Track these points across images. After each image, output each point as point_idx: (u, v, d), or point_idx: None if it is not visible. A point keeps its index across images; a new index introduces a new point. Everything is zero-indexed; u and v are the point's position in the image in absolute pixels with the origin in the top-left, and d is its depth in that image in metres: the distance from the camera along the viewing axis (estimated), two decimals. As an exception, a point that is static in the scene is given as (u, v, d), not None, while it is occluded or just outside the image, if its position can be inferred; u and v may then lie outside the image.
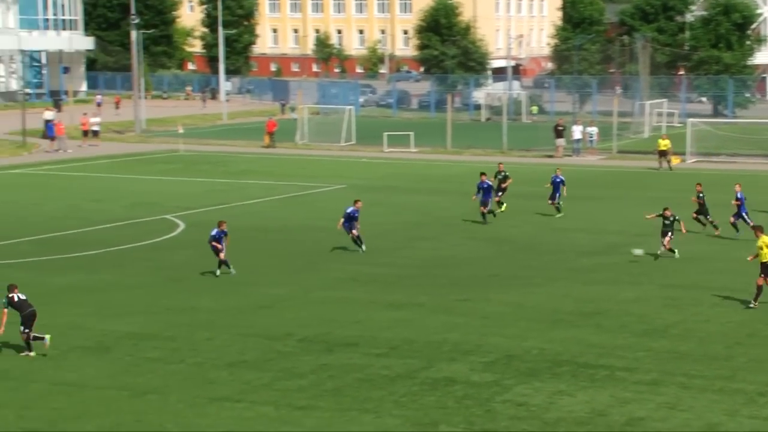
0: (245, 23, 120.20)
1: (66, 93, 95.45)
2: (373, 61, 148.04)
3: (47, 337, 23.00)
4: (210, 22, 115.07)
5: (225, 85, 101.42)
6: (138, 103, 74.94)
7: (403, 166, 56.84)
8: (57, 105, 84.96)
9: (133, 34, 74.96)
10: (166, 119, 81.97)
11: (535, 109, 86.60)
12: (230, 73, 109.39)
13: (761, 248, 26.41)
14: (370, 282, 29.98)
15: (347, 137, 67.72)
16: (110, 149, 64.01)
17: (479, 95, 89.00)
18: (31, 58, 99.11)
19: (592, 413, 19.40)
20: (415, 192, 47.25)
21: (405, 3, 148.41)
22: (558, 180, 40.19)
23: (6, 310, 22.89)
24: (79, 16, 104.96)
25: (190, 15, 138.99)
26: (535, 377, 21.34)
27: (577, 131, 61.33)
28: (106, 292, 28.70)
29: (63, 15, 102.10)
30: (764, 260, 26.34)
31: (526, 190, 44.82)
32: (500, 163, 43.32)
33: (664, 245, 32.39)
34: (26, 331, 22.85)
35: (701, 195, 36.21)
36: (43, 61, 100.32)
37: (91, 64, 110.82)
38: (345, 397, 20.25)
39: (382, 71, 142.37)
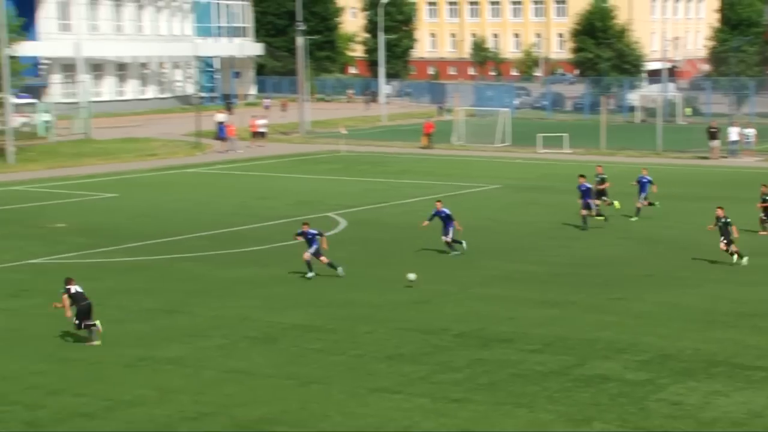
0: (404, 28, 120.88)
1: (237, 96, 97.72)
2: (528, 64, 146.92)
3: (97, 322, 23.44)
4: (371, 27, 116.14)
5: (385, 88, 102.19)
6: (303, 105, 76.16)
7: (557, 166, 56.24)
8: (228, 108, 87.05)
9: (299, 40, 76.23)
10: (328, 121, 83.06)
11: (689, 110, 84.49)
12: (390, 76, 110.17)
13: None
14: (525, 280, 29.77)
15: (502, 138, 67.42)
16: (276, 150, 65.24)
17: (634, 97, 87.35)
18: (206, 64, 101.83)
19: (749, 414, 18.82)
20: (569, 192, 46.63)
21: (560, 7, 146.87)
22: (645, 180, 38.94)
23: (66, 296, 23.44)
24: (249, 24, 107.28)
25: (352, 21, 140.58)
26: (690, 377, 20.83)
27: (733, 133, 59.61)
28: (272, 285, 29.26)
29: (235, 23, 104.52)
30: None
31: (680, 192, 43.76)
32: (598, 166, 41.69)
33: (726, 249, 30.96)
34: (76, 322, 23.33)
35: (766, 197, 34.99)
36: (216, 66, 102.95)
37: (260, 69, 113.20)
38: (499, 391, 20.16)
39: (537, 74, 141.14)
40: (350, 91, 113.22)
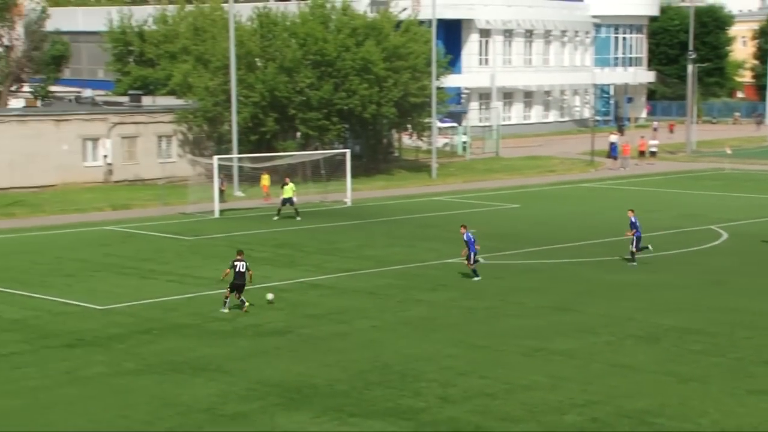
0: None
1: (628, 119, 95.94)
2: None
3: (247, 303, 25.40)
4: (761, 54, 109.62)
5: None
6: (690, 127, 73.32)
7: None
8: (620, 130, 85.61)
9: (690, 68, 73.49)
10: (714, 141, 79.31)
11: None
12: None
13: None
14: None
15: None
16: (664, 167, 63.26)
17: None
18: (602, 91, 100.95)
19: None
20: None
21: None
22: None
23: (229, 270, 25.46)
24: (644, 54, 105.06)
25: (741, 49, 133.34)
26: None
27: None
28: (657, 290, 28.44)
29: (630, 54, 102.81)
30: None
31: None
32: None
33: None
34: (227, 294, 25.38)
35: None
36: (611, 92, 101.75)
37: (651, 95, 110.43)
38: None
39: None
40: (737, 114, 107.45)
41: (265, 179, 47.37)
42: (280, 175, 47.07)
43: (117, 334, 23.67)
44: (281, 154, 50.79)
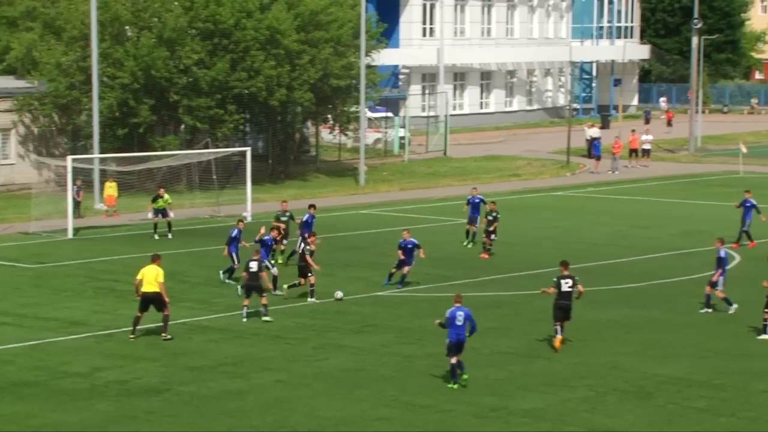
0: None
1: (615, 108, 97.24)
2: None
3: (268, 318, 29.09)
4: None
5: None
6: (694, 118, 74.64)
7: None
8: (604, 121, 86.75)
9: (694, 41, 74.86)
10: (725, 136, 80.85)
11: None
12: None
13: None
14: None
15: None
16: (660, 170, 64.27)
17: None
18: (581, 70, 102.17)
19: None
20: None
21: None
22: (747, 204, 38.47)
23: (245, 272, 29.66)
24: (636, 23, 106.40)
25: (761, 17, 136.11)
26: None
27: None
28: (650, 330, 28.83)
29: (618, 22, 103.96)
30: None
31: None
32: None
33: None
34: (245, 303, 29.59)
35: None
36: (594, 73, 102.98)
37: (645, 76, 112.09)
38: None
39: None
40: (754, 101, 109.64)
41: (111, 188, 47.25)
42: (157, 182, 46.80)
43: (-71, 397, 23.25)
44: (159, 153, 50.52)
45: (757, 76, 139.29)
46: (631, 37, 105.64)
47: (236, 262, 33.96)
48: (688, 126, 75.51)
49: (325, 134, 67.62)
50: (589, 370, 25.14)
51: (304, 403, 23.00)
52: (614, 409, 22.64)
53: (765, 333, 27.38)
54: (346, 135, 65.27)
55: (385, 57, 69.32)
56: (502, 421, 21.89)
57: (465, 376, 24.02)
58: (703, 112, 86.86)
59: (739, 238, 39.46)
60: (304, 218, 37.12)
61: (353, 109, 61.10)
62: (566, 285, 26.92)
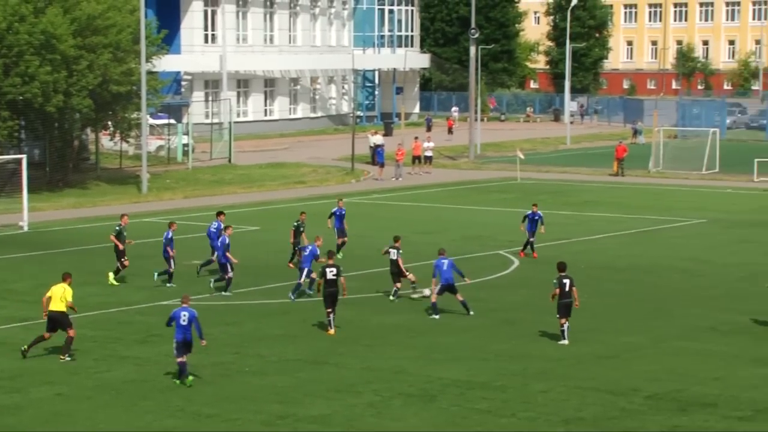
0: (596, 35, 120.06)
1: (398, 115, 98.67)
2: (745, 76, 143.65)
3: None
4: (556, 35, 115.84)
5: (570, 104, 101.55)
6: (473, 125, 76.34)
7: (776, 197, 54.72)
8: (387, 128, 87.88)
9: (472, 50, 76.55)
10: (503, 143, 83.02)
11: None
12: (576, 91, 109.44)
13: None
14: (733, 332, 29.04)
15: (710, 164, 66.05)
16: (442, 176, 65.50)
17: None
18: (364, 78, 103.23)
19: None
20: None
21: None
22: (535, 217, 39.60)
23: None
24: (416, 32, 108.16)
25: (534, 28, 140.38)
26: None
27: None
28: (434, 334, 29.30)
29: (399, 31, 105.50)
30: None
31: None
32: None
33: None
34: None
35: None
36: (376, 81, 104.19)
37: (426, 84, 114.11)
38: (699, 465, 19.67)
39: (754, 88, 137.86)
40: (529, 109, 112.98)
41: None
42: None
43: None
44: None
45: (532, 85, 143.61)
46: (412, 46, 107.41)
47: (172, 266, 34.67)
48: (468, 133, 77.16)
49: (106, 141, 66.52)
50: (376, 375, 25.41)
51: (85, 416, 22.55)
52: (400, 412, 22.94)
53: (564, 338, 28.17)
54: (127, 142, 64.42)
55: (166, 63, 68.72)
56: (290, 428, 21.94)
57: (190, 378, 24.27)
58: (482, 120, 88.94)
59: (525, 247, 40.24)
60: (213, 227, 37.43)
61: (134, 115, 60.45)
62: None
